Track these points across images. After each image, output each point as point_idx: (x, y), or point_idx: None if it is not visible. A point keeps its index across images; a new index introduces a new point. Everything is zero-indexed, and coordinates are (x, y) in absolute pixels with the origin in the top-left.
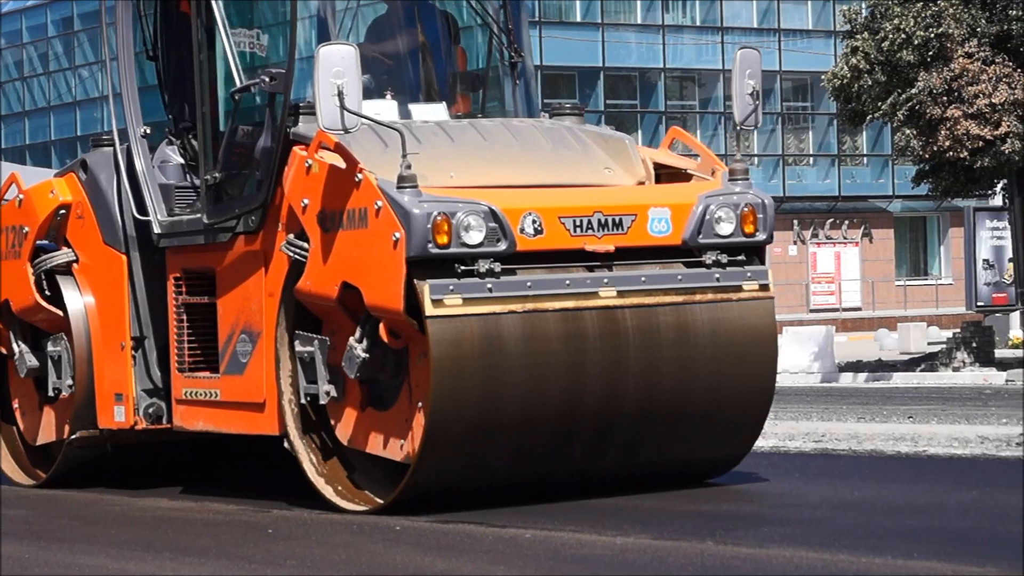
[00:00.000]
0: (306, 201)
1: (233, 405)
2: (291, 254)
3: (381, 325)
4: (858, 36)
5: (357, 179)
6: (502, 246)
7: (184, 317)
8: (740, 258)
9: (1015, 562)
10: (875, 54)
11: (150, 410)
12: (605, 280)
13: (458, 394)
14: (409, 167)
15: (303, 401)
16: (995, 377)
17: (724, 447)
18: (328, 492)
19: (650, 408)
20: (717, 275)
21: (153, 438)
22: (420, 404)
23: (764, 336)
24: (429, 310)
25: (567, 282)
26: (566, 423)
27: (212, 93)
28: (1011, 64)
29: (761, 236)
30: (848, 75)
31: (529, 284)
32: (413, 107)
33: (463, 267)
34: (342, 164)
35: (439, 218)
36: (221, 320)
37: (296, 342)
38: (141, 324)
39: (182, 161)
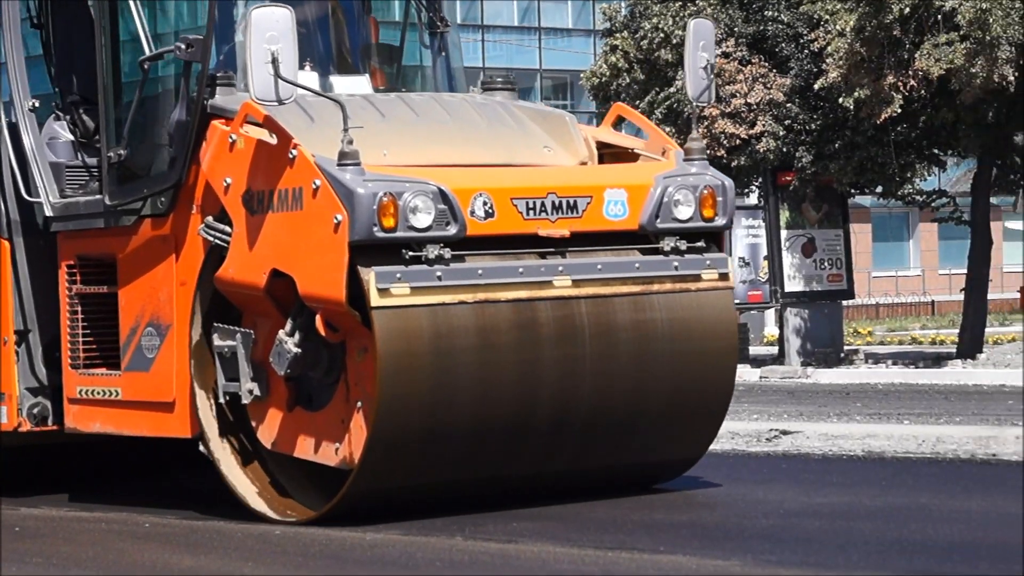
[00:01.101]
0: (228, 180)
1: (137, 405)
2: (210, 238)
3: (317, 317)
4: (617, 35)
5: (291, 155)
6: (452, 230)
7: (79, 309)
8: (699, 244)
9: None
10: (634, 52)
11: (35, 410)
12: (560, 268)
13: (406, 393)
14: (351, 142)
15: (222, 400)
16: (749, 374)
17: (679, 449)
18: (253, 501)
19: (605, 408)
20: (676, 263)
21: (41, 441)
22: (359, 404)
23: (724, 330)
24: (375, 300)
25: (520, 270)
26: (519, 424)
27: (115, 63)
28: (767, 64)
29: (721, 221)
30: (607, 73)
31: (480, 272)
32: (335, 79)
33: (411, 253)
34: (272, 139)
35: (385, 199)
36: (123, 312)
37: (214, 336)
38: (25, 317)
39: (71, 138)
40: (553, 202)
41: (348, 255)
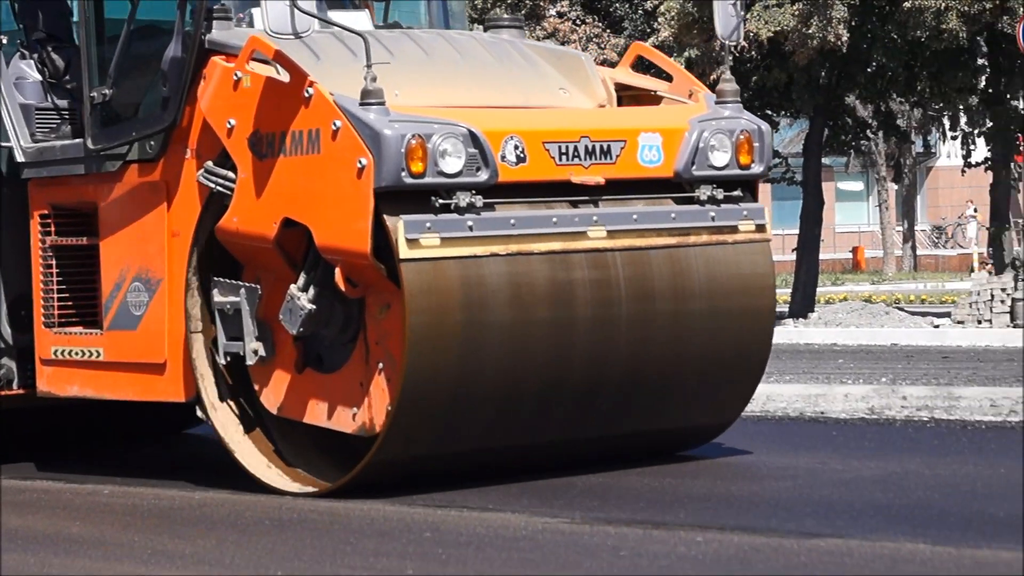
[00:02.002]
0: (232, 121)
1: (122, 366)
2: (210, 185)
3: (337, 271)
4: None
5: (307, 94)
6: (482, 176)
7: (53, 262)
8: (736, 193)
9: None
10: (470, 12)
11: None
12: (594, 218)
13: (436, 353)
14: (375, 79)
15: (222, 362)
16: None
17: (712, 414)
18: (259, 471)
19: (640, 370)
20: (712, 213)
21: (9, 405)
22: (381, 365)
23: (762, 285)
24: (404, 252)
25: (554, 220)
26: (551, 388)
27: None
28: (600, 24)
29: (758, 168)
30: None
31: (513, 222)
32: (334, 15)
33: (440, 201)
34: (283, 77)
35: (413, 141)
36: (105, 266)
37: (214, 291)
38: None
39: (39, 78)
40: (586, 147)
41: (373, 202)
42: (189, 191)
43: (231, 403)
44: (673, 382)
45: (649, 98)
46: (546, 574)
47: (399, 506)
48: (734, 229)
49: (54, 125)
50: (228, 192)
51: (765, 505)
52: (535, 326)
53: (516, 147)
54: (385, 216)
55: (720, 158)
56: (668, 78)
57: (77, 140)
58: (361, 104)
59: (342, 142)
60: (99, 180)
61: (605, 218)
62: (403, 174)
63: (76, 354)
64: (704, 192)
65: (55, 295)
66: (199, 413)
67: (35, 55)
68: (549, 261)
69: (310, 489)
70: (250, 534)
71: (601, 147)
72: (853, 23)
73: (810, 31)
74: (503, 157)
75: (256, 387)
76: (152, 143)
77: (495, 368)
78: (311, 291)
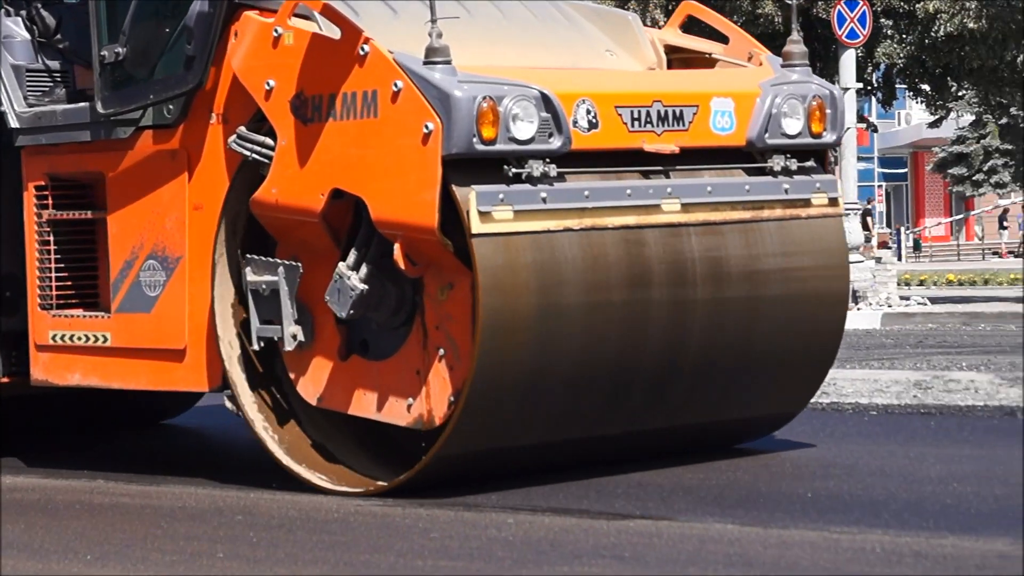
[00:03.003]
0: (272, 83)
1: (133, 353)
2: (244, 152)
3: (396, 247)
4: None
5: (361, 52)
6: (555, 143)
7: (50, 239)
8: (809, 164)
9: None
10: None
11: None
12: (668, 189)
13: (509, 339)
14: (440, 35)
15: (255, 347)
16: None
17: (780, 403)
18: (300, 468)
19: (714, 356)
20: (786, 185)
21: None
22: (442, 352)
23: (836, 264)
24: (476, 226)
25: (627, 191)
26: (622, 377)
27: None
28: None
29: (830, 137)
30: None
31: (587, 193)
32: None
33: (514, 170)
34: (333, 33)
35: (485, 104)
36: (115, 242)
37: (247, 270)
38: None
39: (28, 36)
40: (659, 112)
41: (441, 171)
42: (214, 159)
43: (263, 393)
44: (746, 369)
45: (701, 61)
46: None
47: (210, 489)
48: (807, 203)
49: (46, 88)
50: (265, 160)
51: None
52: (609, 308)
53: (588, 111)
54: (453, 187)
55: (793, 125)
56: (722, 40)
57: (82, 104)
58: (425, 63)
59: (404, 105)
60: (107, 148)
61: (679, 189)
62: (474, 140)
63: (79, 339)
64: (778, 162)
65: (52, 274)
66: (227, 404)
67: (22, 12)
68: (623, 237)
69: (359, 489)
70: (60, 518)
71: (673, 112)
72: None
73: None
74: (575, 123)
75: (292, 376)
76: (171, 107)
77: (568, 356)
78: (363, 270)
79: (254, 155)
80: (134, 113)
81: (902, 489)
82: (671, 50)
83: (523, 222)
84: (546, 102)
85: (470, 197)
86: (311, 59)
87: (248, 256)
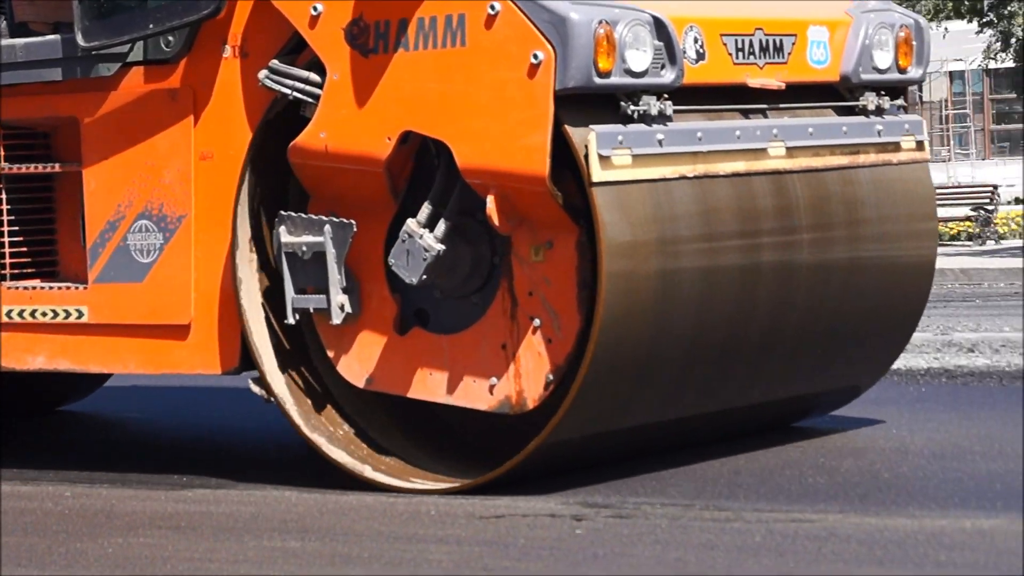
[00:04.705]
0: (319, 7)
1: (118, 330)
2: (282, 90)
3: (490, 201)
4: None
5: None
6: (667, 77)
7: (3, 197)
8: (899, 102)
9: None
10: None
11: None
12: (774, 131)
13: (633, 303)
14: None
15: (292, 320)
16: None
17: (860, 373)
18: (349, 461)
19: (815, 320)
20: (879, 126)
21: None
22: (537, 322)
23: (926, 213)
24: (597, 173)
25: (737, 133)
26: (733, 343)
27: None
28: None
29: (916, 72)
30: None
31: (700, 135)
32: None
33: (632, 107)
34: None
35: (601, 30)
36: (94, 200)
37: (281, 229)
38: None
39: None
40: (761, 42)
41: (553, 109)
42: (229, 100)
43: (293, 375)
44: (844, 334)
45: None
46: None
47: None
48: (897, 147)
49: None
50: (309, 100)
51: None
52: (723, 269)
53: (696, 40)
54: (567, 127)
55: (883, 59)
56: None
57: (52, 37)
58: None
59: (504, 31)
60: (83, 88)
61: (784, 131)
62: (592, 72)
63: (44, 315)
64: (871, 100)
65: (6, 239)
66: (254, 388)
67: None
68: (734, 186)
69: (431, 486)
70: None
71: (774, 43)
72: None
73: None
74: (684, 53)
75: (331, 354)
76: (171, 39)
77: (683, 323)
78: (440, 227)
79: (296, 94)
80: (123, 47)
81: None
82: None
83: (640, 168)
84: (659, 28)
85: (590, 139)
86: None
87: (285, 213)
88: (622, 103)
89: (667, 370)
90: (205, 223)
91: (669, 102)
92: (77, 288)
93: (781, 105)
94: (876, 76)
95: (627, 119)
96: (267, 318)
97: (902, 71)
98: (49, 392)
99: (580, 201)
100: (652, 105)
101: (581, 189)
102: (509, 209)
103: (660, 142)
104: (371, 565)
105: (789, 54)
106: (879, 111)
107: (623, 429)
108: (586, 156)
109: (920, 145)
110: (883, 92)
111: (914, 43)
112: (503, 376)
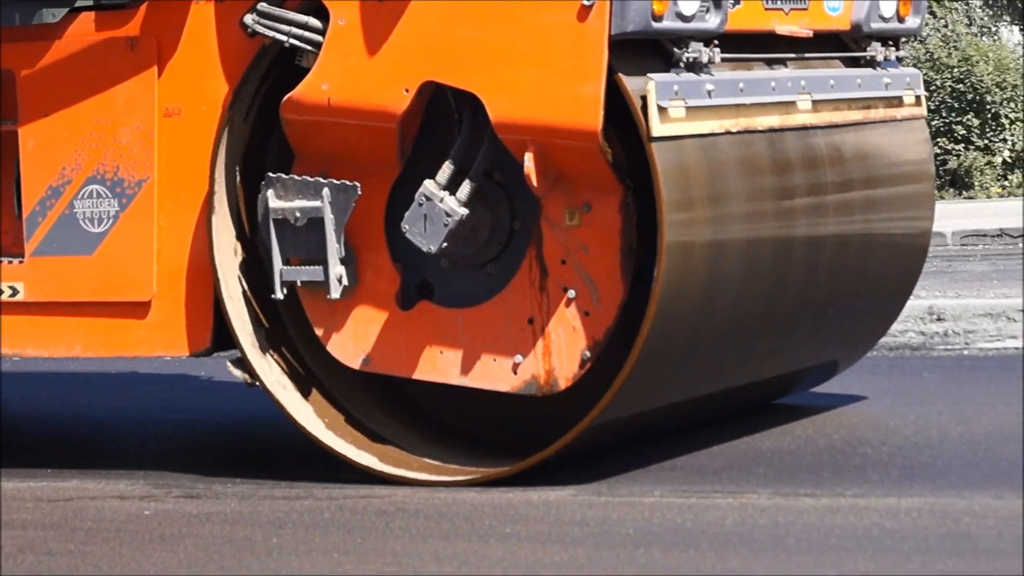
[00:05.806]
0: None
1: (62, 308)
2: (277, 36)
3: (529, 158)
4: None
5: None
6: (712, 22)
7: None
8: (902, 54)
9: None
10: None
11: None
12: (802, 83)
13: (689, 271)
14: None
15: (280, 295)
16: None
17: (855, 342)
18: (347, 450)
19: (835, 288)
20: (886, 79)
21: None
22: (572, 293)
23: (924, 174)
24: (657, 127)
25: (772, 85)
26: (770, 310)
27: None
28: None
29: (914, 21)
30: None
31: (741, 86)
32: None
33: (686, 54)
34: None
35: None
36: (31, 162)
37: (269, 193)
38: None
39: None
40: None
41: (607, 56)
42: (201, 50)
43: (274, 355)
44: (860, 301)
45: None
46: None
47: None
48: (900, 101)
49: None
50: (309, 48)
51: None
52: (764, 232)
53: None
54: (621, 76)
55: (888, 7)
56: None
57: None
58: None
59: None
60: (21, 37)
61: (810, 84)
62: (650, 16)
63: None
64: (879, 51)
65: None
66: (233, 372)
67: None
68: (770, 142)
69: (446, 478)
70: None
71: None
72: None
73: None
74: None
75: (319, 332)
76: None
77: (729, 291)
78: (464, 189)
79: (292, 40)
80: None
81: None
82: None
83: (692, 122)
84: None
85: (648, 88)
86: None
87: (272, 175)
88: (675, 50)
89: (713, 343)
90: (169, 188)
91: (718, 49)
92: (11, 262)
93: (805, 55)
94: (882, 25)
95: (674, 67)
96: (244, 293)
97: (901, 20)
98: None
99: (623, 159)
100: (702, 52)
101: (625, 145)
102: (546, 168)
103: (710, 93)
104: None
105: (809, 1)
106: (887, 62)
107: (660, 407)
108: (643, 108)
109: (918, 100)
110: (889, 42)
111: None
112: (530, 353)
